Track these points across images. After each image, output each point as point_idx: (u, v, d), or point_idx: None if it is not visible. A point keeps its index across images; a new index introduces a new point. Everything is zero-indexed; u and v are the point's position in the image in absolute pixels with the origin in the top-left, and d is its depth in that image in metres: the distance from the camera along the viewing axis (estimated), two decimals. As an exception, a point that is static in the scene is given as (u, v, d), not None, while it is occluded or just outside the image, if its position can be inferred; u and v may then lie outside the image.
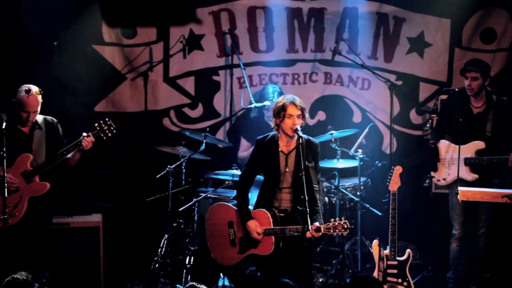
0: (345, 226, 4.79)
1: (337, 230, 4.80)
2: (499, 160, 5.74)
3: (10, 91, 5.50)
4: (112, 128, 5.34)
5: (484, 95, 5.95)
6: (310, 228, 4.64)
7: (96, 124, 5.35)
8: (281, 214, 4.97)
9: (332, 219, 4.85)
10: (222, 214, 5.20)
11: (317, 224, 4.81)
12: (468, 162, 5.84)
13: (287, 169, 4.97)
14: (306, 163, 4.88)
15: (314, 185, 4.93)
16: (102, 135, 5.32)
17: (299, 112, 4.88)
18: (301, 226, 4.75)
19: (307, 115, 5.06)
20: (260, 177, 5.32)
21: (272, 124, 5.07)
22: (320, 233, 4.82)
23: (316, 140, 5.22)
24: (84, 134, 5.27)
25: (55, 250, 5.61)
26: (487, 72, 5.91)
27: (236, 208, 5.16)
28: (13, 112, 5.22)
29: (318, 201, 5.00)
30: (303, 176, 4.71)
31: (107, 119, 5.40)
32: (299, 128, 4.86)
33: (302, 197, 4.66)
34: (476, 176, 5.85)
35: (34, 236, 5.28)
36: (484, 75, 5.85)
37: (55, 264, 5.64)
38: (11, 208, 5.06)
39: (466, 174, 5.87)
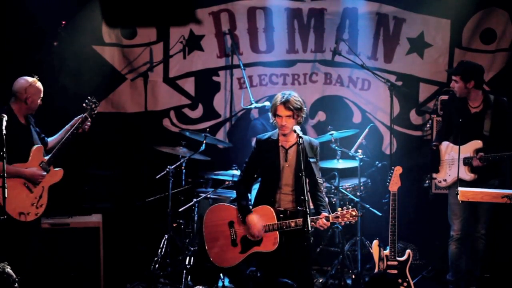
0: (353, 213, 4.79)
1: (345, 218, 4.79)
2: (501, 158, 5.74)
3: (9, 91, 5.50)
4: (97, 104, 5.53)
5: (481, 96, 5.96)
6: (310, 229, 4.62)
7: (85, 105, 5.48)
8: (281, 215, 4.95)
9: (340, 208, 4.85)
10: (222, 215, 5.14)
11: (325, 213, 4.81)
12: (466, 161, 5.85)
13: (287, 164, 4.93)
14: (308, 158, 4.87)
15: (317, 178, 4.94)
16: (92, 113, 5.47)
17: (288, 113, 4.83)
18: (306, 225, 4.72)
19: (304, 114, 4.99)
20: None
21: (271, 121, 5.07)
22: (329, 223, 4.81)
23: (316, 140, 5.21)
24: (81, 116, 5.38)
25: (48, 249, 5.63)
26: (468, 76, 5.86)
27: (236, 207, 5.12)
28: (13, 106, 5.18)
29: (323, 193, 5.01)
30: (303, 177, 4.69)
31: (89, 97, 5.54)
32: (298, 128, 4.84)
33: (302, 197, 4.64)
34: (474, 176, 5.86)
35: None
36: (465, 79, 5.84)
37: (49, 264, 5.65)
38: (37, 200, 5.15)
39: (465, 174, 5.87)
